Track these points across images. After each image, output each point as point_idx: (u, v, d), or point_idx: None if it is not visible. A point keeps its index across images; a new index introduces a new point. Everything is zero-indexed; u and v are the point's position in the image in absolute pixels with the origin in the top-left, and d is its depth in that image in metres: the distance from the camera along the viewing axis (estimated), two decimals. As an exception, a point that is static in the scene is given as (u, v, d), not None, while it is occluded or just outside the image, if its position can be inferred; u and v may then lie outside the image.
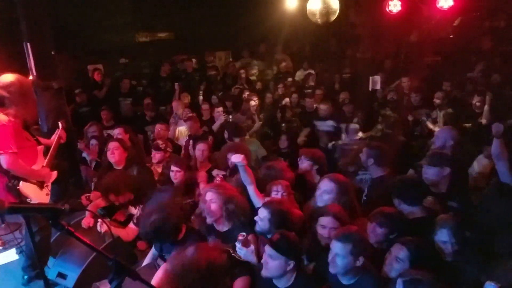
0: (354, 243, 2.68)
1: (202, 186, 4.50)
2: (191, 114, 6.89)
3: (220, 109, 7.12)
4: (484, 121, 6.09)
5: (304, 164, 4.42)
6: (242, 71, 9.90)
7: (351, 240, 2.69)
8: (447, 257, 2.91)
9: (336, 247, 2.72)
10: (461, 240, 2.85)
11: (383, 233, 3.10)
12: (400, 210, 3.44)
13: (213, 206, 3.44)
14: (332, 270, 2.76)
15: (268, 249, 2.76)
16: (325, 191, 3.54)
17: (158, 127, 6.40)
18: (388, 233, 3.09)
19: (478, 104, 6.28)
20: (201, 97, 9.03)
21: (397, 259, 2.76)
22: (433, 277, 2.45)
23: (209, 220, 3.47)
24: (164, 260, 3.74)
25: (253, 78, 10.49)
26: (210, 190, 3.53)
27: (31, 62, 5.14)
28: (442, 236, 2.89)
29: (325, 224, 3.14)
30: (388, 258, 2.85)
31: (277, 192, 3.68)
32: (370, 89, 8.19)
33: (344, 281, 2.81)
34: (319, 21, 6.69)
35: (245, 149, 4.88)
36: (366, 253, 2.74)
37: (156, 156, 5.40)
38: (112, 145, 4.92)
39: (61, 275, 4.00)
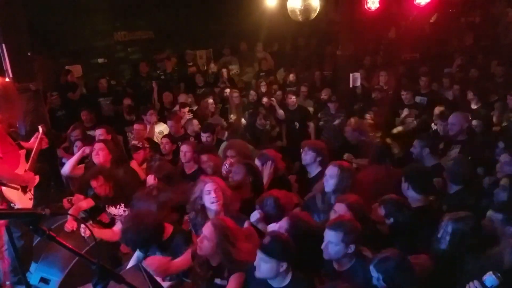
0: (345, 232, 2.81)
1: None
2: (174, 111, 6.85)
3: (186, 109, 7.12)
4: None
5: (308, 155, 4.46)
6: (224, 69, 9.88)
7: (342, 229, 2.82)
8: (436, 245, 3.00)
9: (329, 235, 2.86)
10: (459, 237, 2.90)
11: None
12: (406, 195, 3.62)
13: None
14: (325, 256, 2.91)
15: (259, 252, 2.76)
16: (330, 176, 3.70)
17: (137, 127, 6.25)
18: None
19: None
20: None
21: None
22: (400, 254, 2.65)
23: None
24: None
25: (234, 76, 10.48)
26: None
27: (7, 64, 5.03)
28: (446, 227, 2.97)
29: (337, 210, 3.28)
30: None
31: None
32: (350, 86, 8.28)
33: (338, 267, 2.95)
34: (300, 18, 6.69)
35: (241, 146, 4.90)
36: (358, 241, 2.88)
37: (138, 157, 5.33)
38: (97, 145, 4.85)
39: (44, 280, 3.94)
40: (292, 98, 7.68)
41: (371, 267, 2.67)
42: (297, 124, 7.39)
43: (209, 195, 3.51)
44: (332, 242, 2.84)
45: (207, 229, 3.02)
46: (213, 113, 7.45)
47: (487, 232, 3.09)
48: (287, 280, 2.79)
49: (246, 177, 4.07)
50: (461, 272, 2.86)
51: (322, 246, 2.88)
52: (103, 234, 4.03)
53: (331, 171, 3.72)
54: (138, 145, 5.40)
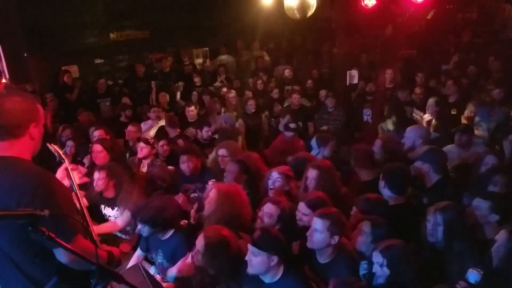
0: (332, 221, 2.89)
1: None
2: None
3: (192, 108, 7.05)
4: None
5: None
6: (221, 68, 9.87)
7: (330, 218, 2.90)
8: (431, 238, 3.02)
9: (316, 223, 2.92)
10: (451, 225, 2.94)
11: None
12: (382, 193, 3.64)
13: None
14: (309, 244, 2.97)
15: (250, 246, 2.77)
16: (312, 178, 3.77)
17: (129, 128, 6.23)
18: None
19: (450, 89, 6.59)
20: (178, 97, 8.95)
21: (362, 232, 3.04)
22: (405, 243, 2.76)
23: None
24: (149, 262, 3.72)
25: (230, 75, 10.46)
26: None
27: (3, 65, 5.02)
28: (435, 219, 2.99)
29: (299, 209, 3.36)
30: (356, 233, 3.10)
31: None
32: (347, 83, 8.28)
33: (321, 260, 3.01)
34: (297, 16, 6.67)
35: (234, 147, 4.91)
36: (342, 234, 2.95)
37: (143, 150, 5.19)
38: (95, 147, 4.84)
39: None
40: (296, 98, 7.65)
41: (376, 253, 2.74)
42: (300, 123, 7.37)
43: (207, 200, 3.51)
44: (317, 230, 2.89)
45: (199, 242, 2.96)
46: (219, 112, 7.41)
47: (469, 221, 3.17)
48: (278, 275, 2.80)
49: (240, 175, 4.08)
50: (451, 262, 2.90)
51: (307, 234, 2.95)
52: (102, 228, 4.03)
53: (311, 173, 3.80)
54: (150, 140, 5.31)
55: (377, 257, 2.73)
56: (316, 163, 3.93)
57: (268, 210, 3.36)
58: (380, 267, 2.70)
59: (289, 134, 5.95)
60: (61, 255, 1.95)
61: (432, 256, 3.04)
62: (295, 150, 5.38)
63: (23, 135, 2.03)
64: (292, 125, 5.98)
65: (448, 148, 4.86)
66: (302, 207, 3.32)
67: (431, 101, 5.94)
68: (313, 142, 5.01)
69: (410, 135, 4.74)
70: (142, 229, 3.43)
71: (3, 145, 2.00)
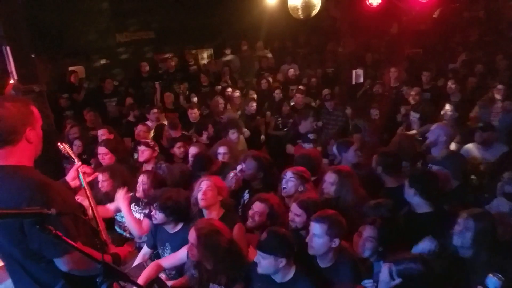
0: (329, 224, 2.80)
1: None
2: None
3: (195, 110, 7.06)
4: None
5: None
6: (226, 68, 9.89)
7: (327, 221, 2.81)
8: (456, 241, 2.86)
9: (314, 228, 2.85)
10: (480, 237, 2.76)
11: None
12: (412, 201, 3.43)
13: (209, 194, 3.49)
14: (310, 251, 2.89)
15: (257, 249, 2.76)
16: (329, 182, 3.66)
17: (139, 127, 6.24)
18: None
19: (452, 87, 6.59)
20: (181, 100, 8.97)
21: (368, 238, 2.89)
22: (426, 262, 2.55)
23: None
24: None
25: (235, 75, 10.48)
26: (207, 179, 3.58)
27: (12, 66, 5.05)
28: (467, 224, 2.81)
29: (291, 209, 3.30)
30: (359, 239, 2.96)
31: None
32: (353, 82, 8.27)
33: (322, 264, 2.94)
34: (301, 16, 6.68)
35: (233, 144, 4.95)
36: (342, 236, 2.86)
37: (144, 153, 5.06)
38: (100, 150, 4.88)
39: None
40: (300, 97, 7.63)
41: (394, 269, 2.54)
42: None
43: (199, 192, 3.51)
44: (316, 235, 2.82)
45: (191, 235, 2.94)
46: (222, 112, 7.45)
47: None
48: (289, 275, 2.77)
49: (257, 172, 4.10)
50: (474, 271, 2.77)
51: (307, 240, 2.88)
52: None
53: (330, 177, 3.66)
54: (150, 143, 5.18)
55: (393, 274, 2.55)
56: (336, 168, 3.79)
57: (257, 208, 3.35)
58: (393, 281, 2.56)
59: (308, 145, 5.67)
60: (61, 264, 1.95)
61: (453, 262, 2.90)
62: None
63: (19, 140, 2.00)
64: (311, 136, 5.71)
65: (468, 147, 4.76)
66: (294, 207, 3.26)
67: (448, 107, 5.82)
68: (334, 149, 4.68)
69: (436, 130, 4.46)
70: (157, 216, 3.44)
71: (1, 153, 1.97)
